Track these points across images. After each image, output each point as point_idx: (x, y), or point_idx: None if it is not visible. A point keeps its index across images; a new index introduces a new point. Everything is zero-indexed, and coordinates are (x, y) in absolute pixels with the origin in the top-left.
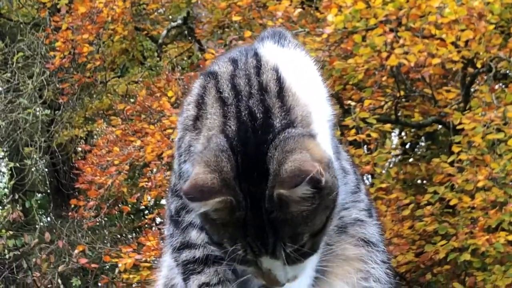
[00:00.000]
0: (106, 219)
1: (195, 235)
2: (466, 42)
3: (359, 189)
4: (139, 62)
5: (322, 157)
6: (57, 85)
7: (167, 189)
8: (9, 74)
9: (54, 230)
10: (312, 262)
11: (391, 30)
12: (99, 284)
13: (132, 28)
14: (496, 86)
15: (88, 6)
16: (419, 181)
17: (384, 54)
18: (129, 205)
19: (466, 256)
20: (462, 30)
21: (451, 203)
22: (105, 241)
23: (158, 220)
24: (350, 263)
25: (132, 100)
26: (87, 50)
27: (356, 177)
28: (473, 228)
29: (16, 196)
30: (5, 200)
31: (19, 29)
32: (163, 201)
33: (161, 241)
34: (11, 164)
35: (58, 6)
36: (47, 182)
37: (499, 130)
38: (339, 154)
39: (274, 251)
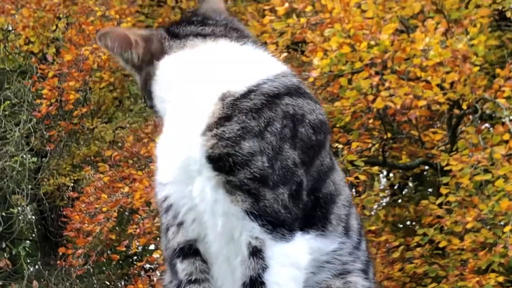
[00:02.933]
0: (94, 266)
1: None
2: (452, 84)
3: (358, 248)
4: (126, 108)
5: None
6: (44, 133)
7: (161, 232)
8: None
9: (42, 279)
10: None
11: (377, 73)
12: None
13: (121, 75)
14: (482, 127)
15: (74, 53)
16: (408, 223)
17: (370, 97)
18: (117, 253)
19: None
20: (447, 72)
21: (441, 245)
22: None
23: (147, 266)
24: None
25: (119, 145)
26: (74, 97)
27: (358, 237)
28: (463, 270)
29: (4, 245)
30: None
31: (5, 76)
32: (151, 247)
33: None
34: None
35: (46, 56)
36: (35, 230)
37: (486, 171)
38: (350, 208)
39: None
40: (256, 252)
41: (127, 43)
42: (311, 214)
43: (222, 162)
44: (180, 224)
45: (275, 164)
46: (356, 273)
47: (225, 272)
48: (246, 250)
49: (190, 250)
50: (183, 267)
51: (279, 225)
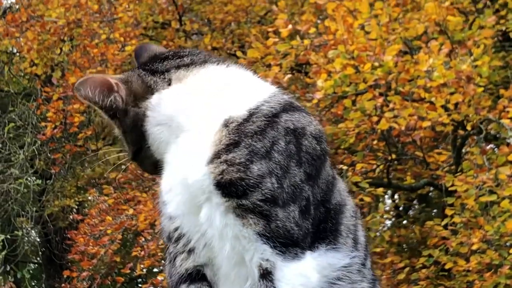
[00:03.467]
0: None
1: None
2: (456, 105)
3: (365, 265)
4: None
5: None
6: (49, 155)
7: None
8: (0, 145)
9: None
10: None
11: (381, 94)
12: None
13: None
14: (487, 148)
15: (79, 76)
16: (413, 244)
17: (375, 118)
18: (122, 275)
19: None
20: (452, 93)
21: (446, 266)
22: None
23: None
24: None
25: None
26: (78, 120)
27: (364, 252)
28: None
29: (8, 268)
30: None
31: (10, 99)
32: (156, 269)
33: None
34: (2, 237)
35: (52, 78)
36: (39, 253)
37: (491, 192)
38: (356, 219)
39: None
40: (266, 275)
41: (108, 87)
42: (322, 227)
43: (234, 187)
44: (191, 251)
45: (284, 183)
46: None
47: None
48: (257, 273)
49: (198, 275)
50: None
51: (291, 244)
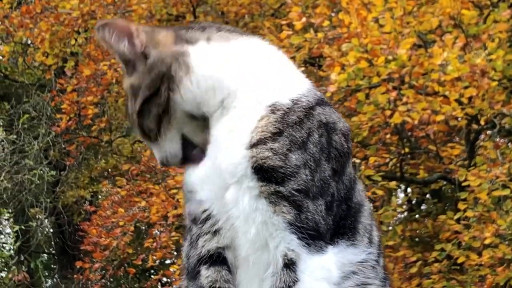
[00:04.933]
0: (111, 279)
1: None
2: (470, 99)
3: (378, 263)
4: None
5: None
6: (63, 146)
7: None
8: (14, 136)
9: None
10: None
11: (394, 88)
12: None
13: None
14: (501, 142)
15: (93, 68)
16: (426, 238)
17: (388, 112)
18: (134, 267)
19: None
20: (465, 87)
21: (459, 260)
22: None
23: (164, 280)
24: None
25: (136, 159)
26: (92, 112)
27: (378, 251)
28: (482, 286)
29: (22, 258)
30: (10, 262)
31: (24, 90)
32: (168, 261)
33: None
34: (17, 227)
35: (65, 69)
36: (53, 243)
37: (505, 187)
38: (372, 220)
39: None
40: (290, 265)
41: (127, 33)
42: (342, 224)
43: (274, 173)
44: (217, 231)
45: (315, 177)
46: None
47: (250, 280)
48: (282, 262)
49: (218, 258)
50: (207, 274)
51: (317, 237)
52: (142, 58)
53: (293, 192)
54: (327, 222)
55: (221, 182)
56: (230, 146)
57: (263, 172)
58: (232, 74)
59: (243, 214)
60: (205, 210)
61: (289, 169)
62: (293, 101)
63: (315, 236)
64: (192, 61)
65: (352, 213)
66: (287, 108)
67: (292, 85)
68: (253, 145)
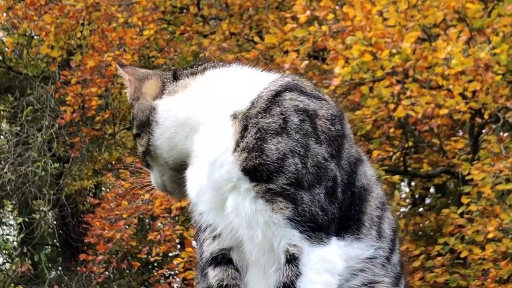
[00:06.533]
0: (115, 272)
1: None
2: (474, 92)
3: (389, 260)
4: None
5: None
6: (66, 138)
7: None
8: (18, 128)
9: (63, 284)
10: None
11: (398, 82)
12: None
13: None
14: (504, 136)
15: (97, 60)
16: (429, 232)
17: (392, 106)
18: (138, 259)
19: None
20: (469, 81)
21: (462, 254)
22: None
23: (167, 273)
24: None
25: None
26: (96, 103)
27: (390, 246)
28: (485, 280)
29: (25, 250)
30: (14, 254)
31: (28, 82)
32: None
33: None
34: (20, 219)
35: (71, 62)
36: (56, 235)
37: (508, 181)
38: (383, 211)
39: None
40: (292, 260)
41: (128, 79)
42: (347, 215)
43: (259, 172)
44: (216, 236)
45: (307, 162)
46: (384, 284)
47: (258, 278)
48: (283, 258)
49: (223, 259)
50: (214, 274)
51: (317, 229)
52: (134, 104)
53: (284, 186)
54: (328, 211)
55: (215, 193)
56: (216, 158)
57: (250, 173)
58: (191, 111)
59: (245, 220)
60: (204, 221)
61: (271, 164)
62: (252, 101)
63: (314, 228)
64: (159, 115)
65: (356, 201)
66: (247, 109)
67: (250, 90)
68: (234, 150)
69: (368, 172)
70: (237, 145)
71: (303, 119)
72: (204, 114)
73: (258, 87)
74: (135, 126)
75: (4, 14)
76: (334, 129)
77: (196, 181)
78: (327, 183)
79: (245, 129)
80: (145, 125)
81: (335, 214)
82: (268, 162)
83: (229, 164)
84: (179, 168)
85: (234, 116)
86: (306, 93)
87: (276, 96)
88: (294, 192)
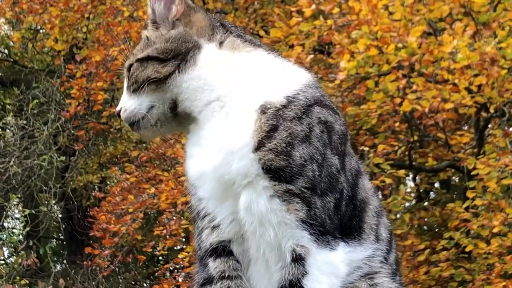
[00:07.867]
0: (120, 265)
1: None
2: (479, 87)
3: (387, 259)
4: None
5: None
6: (72, 132)
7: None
8: (24, 121)
9: (68, 277)
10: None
11: (404, 76)
12: None
13: None
14: (510, 130)
15: (103, 54)
16: (434, 226)
17: (397, 100)
18: (143, 253)
19: None
20: (475, 75)
21: (467, 249)
22: None
23: (173, 266)
24: None
25: (145, 146)
26: (102, 97)
27: (387, 247)
28: (490, 274)
29: (31, 243)
30: (19, 247)
31: (34, 76)
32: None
33: None
34: (27, 211)
35: (76, 56)
36: (61, 229)
37: None
38: (379, 218)
39: None
40: (298, 260)
41: None
42: (348, 225)
43: (283, 173)
44: (215, 227)
45: (323, 171)
46: (383, 274)
47: (261, 273)
48: (289, 257)
49: (224, 251)
50: (215, 266)
51: (325, 233)
52: (168, 25)
53: (303, 189)
54: (333, 220)
55: (222, 183)
56: (236, 150)
57: (273, 173)
58: (225, 82)
59: (257, 218)
60: (203, 208)
61: (294, 167)
62: (288, 99)
63: (323, 232)
64: (201, 58)
65: (357, 213)
66: (281, 105)
67: (284, 83)
68: (257, 148)
69: (366, 186)
70: (262, 144)
71: (323, 130)
72: (235, 95)
73: (292, 83)
74: (159, 48)
75: (9, 9)
76: (341, 149)
77: (200, 163)
78: (336, 195)
79: (275, 129)
80: (177, 57)
81: (337, 224)
82: (293, 166)
83: (250, 160)
84: (183, 114)
85: (262, 110)
86: (328, 106)
87: (309, 107)
88: (309, 195)
